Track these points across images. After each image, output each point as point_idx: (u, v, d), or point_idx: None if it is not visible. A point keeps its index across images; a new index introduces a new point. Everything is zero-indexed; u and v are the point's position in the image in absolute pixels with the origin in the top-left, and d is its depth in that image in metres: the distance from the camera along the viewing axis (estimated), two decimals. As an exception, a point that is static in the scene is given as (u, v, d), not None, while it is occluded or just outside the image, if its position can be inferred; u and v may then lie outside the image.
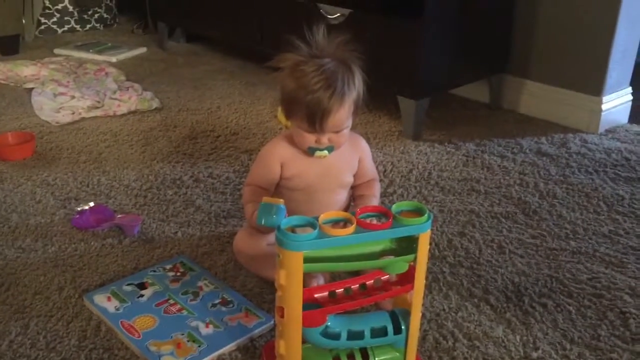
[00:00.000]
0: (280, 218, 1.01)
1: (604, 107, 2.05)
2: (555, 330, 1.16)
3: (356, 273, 1.25)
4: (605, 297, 1.26)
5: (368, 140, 1.94)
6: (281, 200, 1.02)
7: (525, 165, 1.83)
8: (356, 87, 1.20)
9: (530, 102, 2.20)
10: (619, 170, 1.79)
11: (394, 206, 0.96)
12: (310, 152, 1.22)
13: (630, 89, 2.14)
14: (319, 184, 1.27)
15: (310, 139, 1.20)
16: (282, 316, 0.94)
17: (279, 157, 1.27)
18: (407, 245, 0.97)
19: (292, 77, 1.18)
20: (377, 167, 1.76)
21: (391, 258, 0.97)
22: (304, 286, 0.93)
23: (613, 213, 1.57)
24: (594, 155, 1.89)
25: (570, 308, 1.22)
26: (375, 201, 1.30)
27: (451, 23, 1.94)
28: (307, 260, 0.91)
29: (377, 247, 0.98)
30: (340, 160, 1.28)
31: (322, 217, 0.93)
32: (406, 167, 1.80)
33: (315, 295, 0.98)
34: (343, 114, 1.18)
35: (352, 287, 1.00)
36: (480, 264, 1.36)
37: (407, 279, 1.00)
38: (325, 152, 1.21)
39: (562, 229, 1.50)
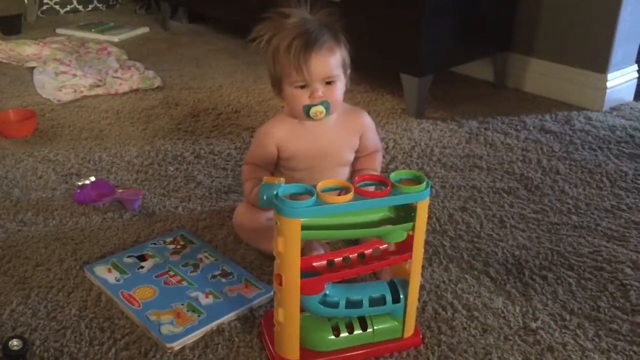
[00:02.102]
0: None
1: (609, 84, 2.03)
2: (555, 302, 1.16)
3: (355, 243, 1.25)
4: (606, 270, 1.25)
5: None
6: (282, 179, 1.02)
7: (529, 142, 1.81)
8: (340, 42, 1.19)
9: (535, 80, 2.18)
10: (623, 147, 1.78)
11: (392, 174, 0.96)
12: (306, 113, 1.19)
13: (635, 67, 2.12)
14: (318, 164, 1.26)
15: (303, 95, 1.18)
16: (280, 284, 0.94)
17: (275, 139, 1.25)
18: (406, 214, 0.97)
19: (271, 41, 1.18)
20: (379, 143, 1.76)
21: (390, 227, 0.97)
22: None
23: (616, 188, 1.56)
24: (598, 132, 1.88)
25: (571, 280, 1.22)
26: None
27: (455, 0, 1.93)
28: (305, 227, 0.91)
29: (376, 216, 0.98)
30: (340, 138, 1.27)
31: (320, 185, 0.93)
32: (408, 144, 1.80)
33: (314, 264, 0.98)
34: (329, 59, 1.16)
35: (351, 256, 1.00)
36: (481, 238, 1.35)
37: (405, 247, 1.00)
38: (321, 107, 1.18)
39: (564, 204, 1.49)
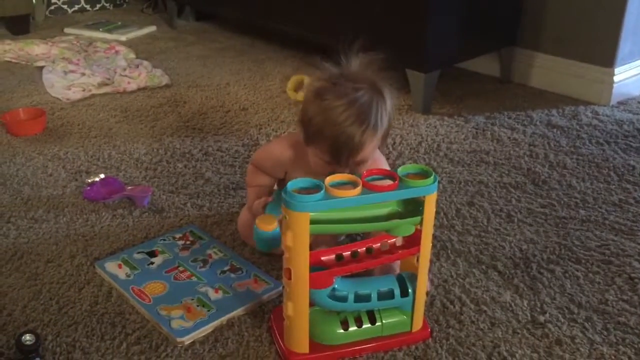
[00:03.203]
0: (277, 242, 1.05)
1: (615, 79, 2.03)
2: (562, 295, 1.17)
3: (363, 238, 1.25)
4: (614, 264, 1.25)
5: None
6: (275, 223, 1.04)
7: (536, 137, 1.82)
8: (388, 117, 1.10)
9: (541, 75, 2.18)
10: (630, 141, 1.78)
11: (400, 169, 0.97)
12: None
13: (642, 61, 2.11)
14: None
15: (327, 167, 1.09)
16: (289, 278, 0.95)
17: (285, 166, 1.21)
18: (414, 208, 0.98)
19: (319, 107, 1.07)
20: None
21: (398, 221, 0.97)
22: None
23: (624, 182, 1.56)
24: (605, 127, 1.87)
25: (579, 274, 1.22)
26: None
27: (460, -5, 1.93)
28: (313, 222, 0.92)
29: (384, 210, 0.98)
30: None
31: (329, 179, 0.93)
32: (415, 139, 1.80)
33: (322, 258, 0.99)
34: (372, 148, 1.10)
35: (359, 250, 1.01)
36: (489, 232, 1.36)
37: (413, 241, 1.00)
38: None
39: (571, 198, 1.49)
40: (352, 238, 1.29)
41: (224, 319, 1.09)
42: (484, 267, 1.25)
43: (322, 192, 0.90)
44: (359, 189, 0.91)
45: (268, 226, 1.07)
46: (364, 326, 1.03)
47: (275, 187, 1.30)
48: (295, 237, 0.92)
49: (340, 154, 1.07)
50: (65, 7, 3.19)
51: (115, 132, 1.86)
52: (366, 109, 1.06)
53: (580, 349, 1.04)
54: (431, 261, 1.17)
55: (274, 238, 1.08)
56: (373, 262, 1.00)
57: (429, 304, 1.13)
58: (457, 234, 1.35)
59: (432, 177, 0.95)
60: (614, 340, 1.06)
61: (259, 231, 1.08)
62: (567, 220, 1.41)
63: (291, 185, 0.92)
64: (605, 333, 1.08)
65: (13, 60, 2.47)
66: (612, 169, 1.62)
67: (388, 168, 1.25)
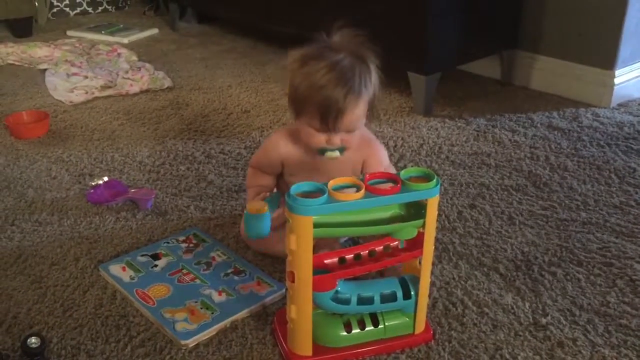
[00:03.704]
0: (266, 227, 1.06)
1: (616, 81, 2.03)
2: (564, 298, 1.17)
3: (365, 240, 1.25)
4: (615, 266, 1.26)
5: (378, 117, 1.96)
6: (265, 207, 1.05)
7: (537, 139, 1.82)
8: (372, 85, 1.13)
9: (542, 77, 2.18)
10: (631, 143, 1.78)
11: (402, 172, 0.97)
12: (320, 152, 1.16)
13: (643, 63, 2.12)
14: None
15: (321, 139, 1.13)
16: (292, 281, 0.96)
17: (281, 154, 1.23)
18: (416, 211, 0.99)
19: (302, 74, 1.11)
20: (387, 143, 1.78)
21: (400, 224, 0.98)
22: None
23: (624, 185, 1.57)
24: (606, 129, 1.88)
25: (580, 276, 1.23)
26: None
27: (462, -3, 1.93)
28: (316, 225, 0.92)
29: (386, 213, 0.99)
30: (345, 168, 1.21)
31: (332, 183, 0.94)
32: (417, 142, 1.81)
33: (325, 261, 0.99)
34: (358, 113, 1.11)
35: (362, 253, 1.02)
36: (490, 235, 1.36)
37: (416, 244, 1.01)
38: (337, 152, 1.15)
39: (572, 200, 1.50)
40: (354, 241, 1.29)
41: (227, 321, 1.10)
42: (485, 269, 1.25)
43: (325, 195, 0.91)
44: (361, 193, 0.92)
45: (257, 208, 1.06)
46: (366, 328, 1.03)
47: (275, 190, 1.31)
48: (298, 240, 0.92)
49: (328, 116, 1.09)
50: (67, 9, 3.20)
51: (118, 135, 1.87)
52: (347, 71, 1.09)
53: (582, 351, 1.05)
54: (433, 263, 1.17)
55: (261, 221, 1.07)
56: (376, 265, 1.00)
57: (431, 306, 1.14)
58: (458, 236, 1.36)
59: (434, 180, 0.95)
60: (616, 343, 1.07)
61: (248, 213, 1.08)
62: (569, 222, 1.41)
63: (294, 189, 0.93)
64: (606, 335, 1.08)
65: (16, 63, 2.49)
66: (613, 171, 1.63)
67: (387, 158, 1.28)
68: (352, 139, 1.14)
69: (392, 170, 1.27)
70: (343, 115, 1.09)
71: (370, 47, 1.15)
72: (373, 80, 1.14)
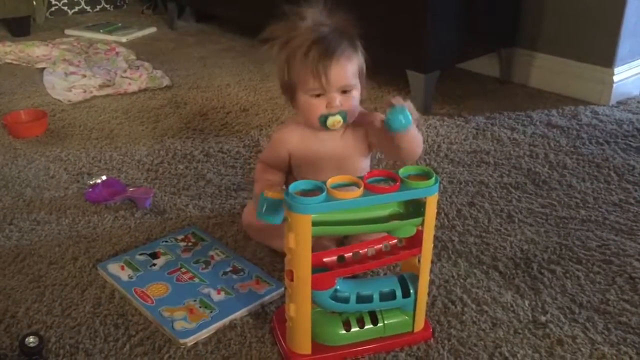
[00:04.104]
0: (280, 214, 1.02)
1: (615, 78, 2.03)
2: (564, 295, 1.17)
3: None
4: (614, 263, 1.26)
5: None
6: (283, 195, 1.02)
7: (536, 137, 1.82)
8: (357, 50, 1.15)
9: (541, 75, 2.18)
10: (630, 141, 1.78)
11: (401, 170, 0.97)
12: (322, 123, 1.15)
13: (642, 61, 2.12)
14: (329, 173, 1.13)
15: (319, 104, 1.14)
16: (291, 279, 0.96)
17: (288, 146, 1.23)
18: (415, 209, 0.98)
19: (285, 46, 1.13)
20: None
21: (399, 222, 0.98)
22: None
23: (624, 182, 1.57)
24: (605, 127, 1.88)
25: (579, 274, 1.23)
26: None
27: (460, -5, 1.93)
28: (315, 223, 0.92)
29: (385, 211, 0.99)
30: (350, 148, 1.22)
31: (330, 181, 0.94)
32: (416, 140, 1.80)
33: (324, 260, 0.99)
34: (348, 67, 1.12)
35: (361, 251, 1.02)
36: (489, 233, 1.36)
37: (415, 242, 1.01)
38: (339, 117, 1.15)
39: (572, 198, 1.50)
40: (339, 241, 1.27)
41: (226, 320, 1.10)
42: (485, 267, 1.25)
43: (324, 194, 0.91)
44: (360, 191, 0.92)
45: (276, 194, 1.03)
46: (366, 327, 1.03)
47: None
48: (297, 239, 0.92)
49: (317, 68, 1.10)
50: (65, 8, 3.20)
51: (116, 134, 1.86)
52: (328, 32, 1.12)
53: (582, 349, 1.05)
54: (432, 261, 1.17)
55: (278, 205, 1.03)
56: (375, 263, 1.00)
57: (431, 305, 1.14)
58: (458, 234, 1.36)
59: (433, 178, 0.95)
60: (615, 340, 1.06)
61: (264, 195, 1.03)
62: (568, 220, 1.41)
63: (293, 187, 0.93)
64: (606, 333, 1.08)
65: (14, 62, 2.48)
66: (612, 169, 1.63)
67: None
68: (349, 101, 1.15)
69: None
70: (331, 63, 1.10)
71: (353, 23, 1.16)
72: (357, 46, 1.16)
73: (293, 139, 1.23)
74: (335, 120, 1.15)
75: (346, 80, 1.13)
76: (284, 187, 1.29)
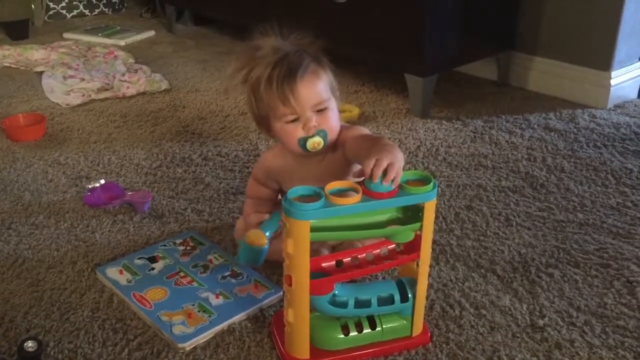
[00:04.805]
0: (260, 259, 1.10)
1: (612, 82, 2.04)
2: (561, 299, 1.17)
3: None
4: (612, 267, 1.26)
5: (375, 119, 1.96)
6: (265, 241, 1.08)
7: (533, 140, 1.82)
8: (324, 66, 1.11)
9: (539, 78, 2.19)
10: (628, 144, 1.79)
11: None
12: (302, 147, 1.10)
13: (639, 64, 2.12)
14: None
15: (296, 129, 1.09)
16: (290, 284, 0.96)
17: (272, 171, 1.21)
18: (413, 214, 0.99)
19: (247, 78, 1.10)
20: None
21: (397, 227, 0.98)
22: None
23: (621, 186, 1.57)
24: (602, 130, 1.88)
25: (577, 277, 1.23)
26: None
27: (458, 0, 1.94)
28: (314, 229, 0.92)
29: (384, 216, 0.99)
30: (334, 168, 1.17)
31: (328, 187, 0.94)
32: (414, 143, 1.81)
33: (323, 265, 0.99)
34: (316, 84, 1.08)
35: (359, 256, 1.02)
36: (487, 236, 1.37)
37: (413, 247, 1.01)
38: (318, 138, 1.09)
39: (569, 201, 1.50)
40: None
41: (225, 324, 1.10)
42: (483, 271, 1.26)
43: (322, 200, 0.91)
44: (359, 197, 0.92)
45: (257, 241, 1.09)
46: (364, 331, 1.03)
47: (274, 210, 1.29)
48: (295, 244, 0.92)
49: (283, 90, 1.06)
50: (64, 12, 3.20)
51: (114, 137, 1.86)
52: (288, 53, 1.08)
53: (580, 352, 1.05)
54: (430, 265, 1.17)
55: (258, 254, 1.11)
56: (373, 268, 1.01)
57: (429, 309, 1.14)
58: (456, 238, 1.36)
59: (431, 183, 0.95)
60: (613, 344, 1.07)
61: (246, 244, 1.10)
62: (565, 223, 1.42)
63: (291, 193, 0.93)
64: (604, 337, 1.08)
65: (12, 66, 2.48)
66: (610, 172, 1.63)
67: (366, 130, 1.19)
68: (327, 120, 1.09)
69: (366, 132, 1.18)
70: (296, 81, 1.06)
71: (317, 43, 1.13)
72: (324, 63, 1.12)
73: (276, 165, 1.20)
74: (315, 141, 1.10)
75: (317, 97, 1.08)
76: (275, 203, 1.27)
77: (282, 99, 1.07)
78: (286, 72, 1.06)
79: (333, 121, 1.11)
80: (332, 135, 1.12)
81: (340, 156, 1.15)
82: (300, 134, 1.09)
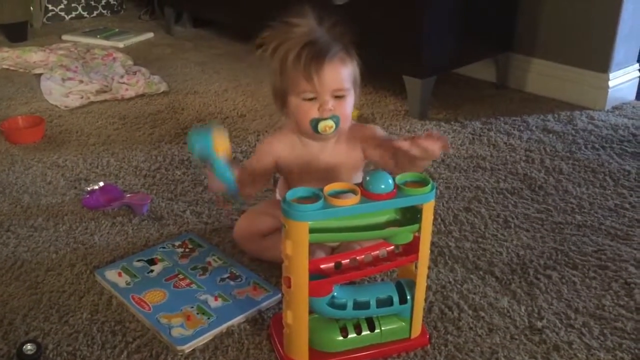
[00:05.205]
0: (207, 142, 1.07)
1: (610, 84, 2.04)
2: (560, 301, 1.17)
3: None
4: (610, 269, 1.26)
5: (374, 121, 1.96)
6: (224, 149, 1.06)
7: (532, 142, 1.83)
8: (352, 57, 1.14)
9: (537, 80, 2.19)
10: (626, 146, 1.79)
11: (398, 177, 0.97)
12: (313, 127, 1.12)
13: (637, 66, 2.13)
14: (318, 184, 1.05)
15: (311, 108, 1.11)
16: (289, 286, 0.96)
17: (275, 153, 1.21)
18: (412, 216, 0.99)
19: (277, 50, 1.12)
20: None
21: (396, 229, 0.98)
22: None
23: (619, 187, 1.57)
24: (600, 132, 1.89)
25: (575, 279, 1.23)
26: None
27: (456, 1, 1.94)
28: (312, 230, 0.92)
29: (382, 218, 0.99)
30: (341, 159, 1.19)
31: (327, 188, 0.94)
32: (412, 145, 1.81)
33: (322, 266, 0.99)
34: (341, 70, 1.11)
35: (358, 258, 1.02)
36: (486, 238, 1.37)
37: (411, 249, 1.01)
38: (331, 121, 1.11)
39: (567, 203, 1.50)
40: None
41: (223, 326, 1.10)
42: (481, 272, 1.26)
43: (321, 201, 0.91)
44: (357, 198, 0.92)
45: (220, 144, 1.09)
46: (363, 333, 1.03)
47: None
48: (294, 246, 0.92)
49: (309, 67, 1.08)
50: (62, 14, 3.20)
51: (113, 140, 1.87)
52: (320, 36, 1.12)
53: (578, 354, 1.05)
54: (429, 267, 1.17)
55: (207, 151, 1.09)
56: (372, 270, 1.01)
57: (427, 311, 1.14)
58: (454, 239, 1.36)
59: (429, 185, 0.96)
60: (611, 346, 1.07)
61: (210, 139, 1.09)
62: (564, 225, 1.42)
63: (290, 194, 0.93)
64: (602, 338, 1.09)
65: (11, 68, 2.48)
66: (608, 174, 1.64)
67: (383, 132, 1.24)
68: (342, 107, 1.12)
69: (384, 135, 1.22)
70: (323, 63, 1.08)
71: (350, 35, 1.15)
72: (352, 54, 1.14)
73: (281, 147, 1.21)
74: (327, 125, 1.12)
75: (339, 83, 1.11)
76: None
77: (307, 76, 1.09)
78: (316, 51, 1.09)
79: (347, 110, 1.14)
80: (344, 123, 1.14)
81: (354, 148, 1.19)
82: (315, 114, 1.12)
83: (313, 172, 1.20)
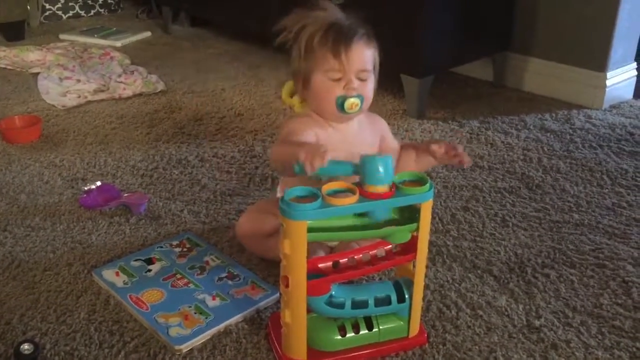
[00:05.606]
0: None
1: (608, 82, 2.04)
2: (557, 300, 1.18)
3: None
4: (607, 267, 1.27)
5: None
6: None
7: (529, 141, 1.83)
8: (373, 43, 1.16)
9: (534, 79, 2.19)
10: (623, 145, 1.79)
11: (396, 176, 0.97)
12: (339, 105, 1.11)
13: (634, 65, 2.13)
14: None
15: (336, 86, 1.11)
16: (287, 285, 0.96)
17: (310, 133, 1.16)
18: (410, 215, 0.99)
19: (303, 30, 1.13)
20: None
21: (394, 228, 0.98)
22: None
23: (617, 186, 1.58)
24: (598, 131, 1.89)
25: (573, 278, 1.24)
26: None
27: (454, 1, 1.94)
28: (311, 230, 0.92)
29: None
30: (365, 141, 1.20)
31: (325, 188, 0.94)
32: (410, 144, 1.81)
33: (319, 266, 0.99)
34: (366, 51, 1.13)
35: (356, 257, 1.02)
36: (484, 237, 1.37)
37: (409, 248, 1.01)
38: (357, 99, 1.11)
39: (565, 202, 1.51)
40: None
41: (221, 326, 1.10)
42: (479, 271, 1.26)
43: (319, 200, 0.91)
44: (355, 197, 0.92)
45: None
46: (361, 332, 1.03)
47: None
48: (292, 245, 0.92)
49: (339, 44, 1.10)
50: (59, 13, 3.19)
51: (111, 139, 1.86)
52: (346, 20, 1.15)
53: (576, 353, 1.05)
54: (427, 266, 1.17)
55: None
56: (370, 269, 1.01)
57: (426, 310, 1.14)
58: (452, 239, 1.36)
59: (427, 184, 0.96)
60: (609, 344, 1.07)
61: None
62: (561, 224, 1.42)
63: (288, 194, 0.93)
64: (600, 337, 1.09)
65: (8, 67, 2.47)
66: (605, 173, 1.64)
67: (394, 139, 1.27)
68: (366, 87, 1.14)
69: (396, 145, 1.25)
70: (352, 43, 1.10)
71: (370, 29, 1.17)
72: (374, 41, 1.16)
73: (312, 128, 1.17)
74: (353, 102, 1.11)
75: (364, 64, 1.13)
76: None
77: (335, 54, 1.10)
78: (345, 31, 1.12)
79: (370, 92, 1.15)
80: (367, 104, 1.16)
81: (376, 132, 1.23)
82: (340, 92, 1.12)
83: (341, 153, 1.10)
